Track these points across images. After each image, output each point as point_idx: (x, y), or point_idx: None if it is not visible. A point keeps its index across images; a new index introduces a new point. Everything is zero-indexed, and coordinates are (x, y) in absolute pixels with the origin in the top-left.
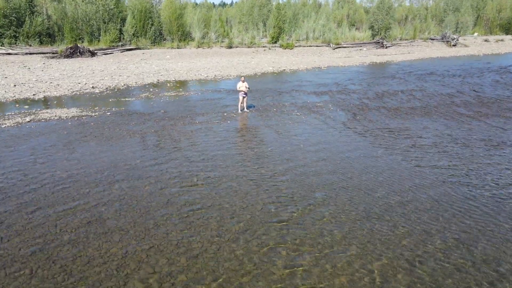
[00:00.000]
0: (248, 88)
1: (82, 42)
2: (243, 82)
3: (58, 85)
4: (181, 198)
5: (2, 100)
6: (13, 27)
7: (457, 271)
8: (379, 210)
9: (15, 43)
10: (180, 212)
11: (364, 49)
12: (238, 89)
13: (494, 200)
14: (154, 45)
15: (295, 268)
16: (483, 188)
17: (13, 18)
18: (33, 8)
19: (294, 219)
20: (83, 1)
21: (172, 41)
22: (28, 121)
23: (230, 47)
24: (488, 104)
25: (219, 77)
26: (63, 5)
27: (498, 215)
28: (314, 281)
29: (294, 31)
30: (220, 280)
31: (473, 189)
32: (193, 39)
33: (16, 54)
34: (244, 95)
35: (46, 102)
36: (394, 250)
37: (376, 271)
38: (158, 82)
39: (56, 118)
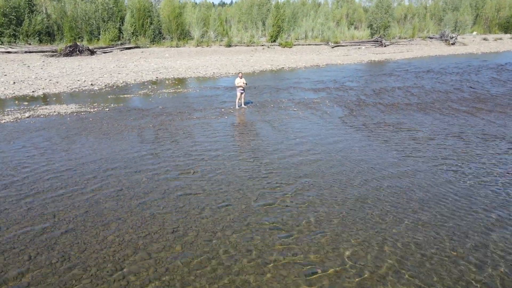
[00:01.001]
0: (246, 83)
1: (82, 40)
2: (241, 78)
3: (57, 82)
4: (178, 189)
5: (2, 97)
6: (13, 26)
7: (419, 248)
8: (371, 199)
9: (15, 42)
10: (176, 202)
11: (363, 47)
12: (236, 85)
13: (476, 186)
14: (153, 44)
15: (290, 256)
16: (469, 176)
17: (13, 17)
18: (33, 7)
19: (287, 208)
20: (82, 0)
21: (171, 40)
22: (27, 117)
23: (229, 45)
24: (484, 100)
25: (218, 75)
26: (63, 4)
27: (482, 200)
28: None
29: (293, 30)
30: (215, 265)
31: (460, 176)
32: (192, 38)
33: (15, 52)
34: (242, 91)
35: (45, 99)
36: (381, 227)
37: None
38: (157, 80)
39: (55, 114)
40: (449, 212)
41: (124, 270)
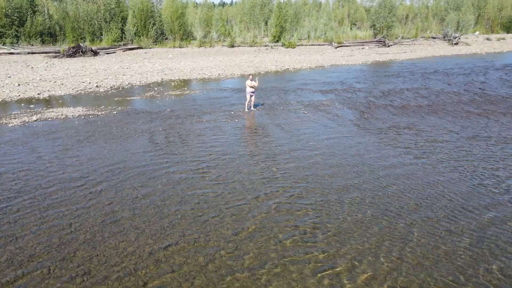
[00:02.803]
0: (258, 85)
1: (84, 41)
2: (251, 80)
3: (62, 84)
4: (194, 196)
5: (8, 99)
6: (15, 27)
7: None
8: (394, 211)
9: (17, 43)
10: (194, 211)
11: (366, 48)
12: (247, 86)
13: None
14: (156, 44)
15: (318, 267)
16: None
17: (15, 18)
18: (35, 7)
19: (309, 217)
20: (84, 1)
21: (174, 40)
22: (35, 120)
23: (232, 46)
24: (496, 102)
25: (223, 76)
26: (64, 4)
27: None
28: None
29: (295, 30)
30: (239, 279)
31: (487, 184)
32: (195, 38)
33: (18, 53)
34: (252, 94)
35: (51, 101)
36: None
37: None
38: (162, 81)
39: (62, 117)
40: (480, 224)
41: (148, 285)
